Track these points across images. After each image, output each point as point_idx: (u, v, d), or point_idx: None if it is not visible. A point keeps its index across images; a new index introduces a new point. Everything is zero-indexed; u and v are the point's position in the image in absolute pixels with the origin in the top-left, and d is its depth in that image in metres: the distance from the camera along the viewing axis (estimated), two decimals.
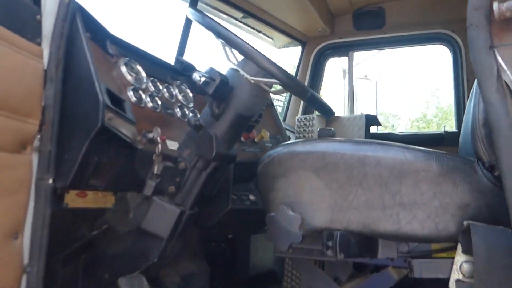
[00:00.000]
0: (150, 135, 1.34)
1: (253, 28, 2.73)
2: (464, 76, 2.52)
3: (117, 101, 1.24)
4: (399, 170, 0.98)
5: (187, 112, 1.65)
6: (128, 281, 1.40)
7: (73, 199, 1.23)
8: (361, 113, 2.27)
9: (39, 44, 1.07)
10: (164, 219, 1.41)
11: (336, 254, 1.01)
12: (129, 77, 1.45)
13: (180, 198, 1.45)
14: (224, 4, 2.42)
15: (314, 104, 1.40)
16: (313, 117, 2.30)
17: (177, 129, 1.52)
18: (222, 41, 1.37)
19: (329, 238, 1.04)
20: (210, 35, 1.39)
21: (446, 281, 0.91)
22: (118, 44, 1.49)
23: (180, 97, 1.68)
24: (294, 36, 2.86)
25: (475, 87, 1.02)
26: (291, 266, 2.27)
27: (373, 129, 2.62)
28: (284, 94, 2.99)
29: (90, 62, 1.19)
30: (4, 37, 0.95)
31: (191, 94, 1.75)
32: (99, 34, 1.39)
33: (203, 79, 1.30)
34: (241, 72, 1.35)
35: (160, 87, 1.59)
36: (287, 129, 2.41)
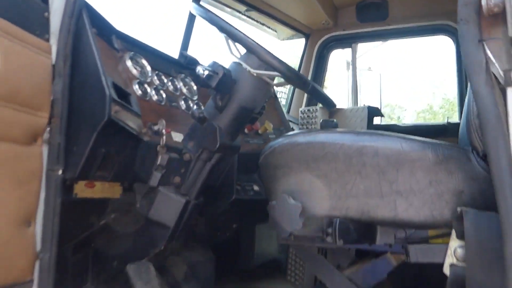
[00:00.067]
0: (156, 128, 1.38)
1: (257, 21, 2.75)
2: None
3: (123, 95, 1.28)
4: (396, 160, 1.01)
5: (191, 105, 1.68)
6: (136, 268, 1.45)
7: (82, 190, 1.27)
8: (364, 105, 2.29)
9: (47, 40, 1.11)
10: (170, 208, 1.45)
11: (336, 240, 1.05)
12: (134, 71, 1.49)
13: (185, 188, 1.48)
14: None
15: (316, 96, 1.43)
16: (316, 109, 2.33)
17: (182, 121, 1.56)
18: (225, 35, 1.40)
19: (329, 225, 1.07)
20: (214, 29, 1.42)
21: (441, 266, 0.94)
22: (124, 39, 1.52)
23: (184, 90, 1.72)
24: (297, 29, 2.87)
25: None
26: (295, 255, 2.30)
27: (377, 120, 2.64)
28: (288, 87, 3.01)
29: (96, 57, 1.22)
30: (14, 34, 0.98)
31: (195, 87, 1.78)
32: (105, 30, 1.43)
33: (206, 72, 1.33)
34: (244, 65, 1.38)
35: (165, 80, 1.63)
36: (291, 121, 2.44)
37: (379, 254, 1.36)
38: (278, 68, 1.29)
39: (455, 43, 2.60)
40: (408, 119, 16.39)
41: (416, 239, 1.07)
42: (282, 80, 1.39)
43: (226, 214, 1.86)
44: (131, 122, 1.27)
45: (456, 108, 2.80)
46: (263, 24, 2.81)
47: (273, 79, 1.41)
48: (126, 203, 1.46)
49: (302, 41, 2.99)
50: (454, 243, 0.88)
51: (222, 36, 1.42)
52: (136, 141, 1.32)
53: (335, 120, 1.70)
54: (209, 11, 1.42)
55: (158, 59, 1.66)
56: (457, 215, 0.86)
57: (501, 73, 0.71)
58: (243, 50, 1.42)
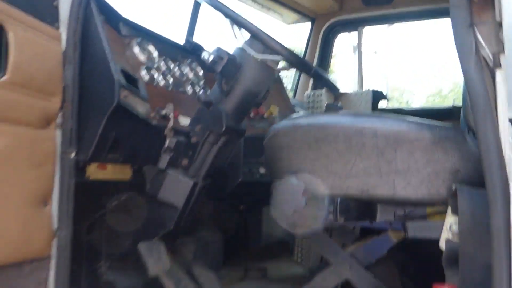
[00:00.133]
0: (163, 112, 1.42)
1: (262, 6, 2.75)
2: None
3: (131, 80, 1.32)
4: (394, 140, 1.04)
5: (197, 90, 1.72)
6: (147, 247, 1.52)
7: (94, 172, 1.33)
8: (368, 88, 2.31)
9: (57, 28, 1.14)
10: (178, 190, 1.50)
11: (337, 217, 1.09)
12: (141, 57, 1.52)
13: (193, 170, 1.53)
14: None
15: (319, 80, 1.46)
16: (321, 93, 2.35)
17: (189, 105, 1.60)
18: (230, 21, 1.43)
19: (330, 203, 1.12)
20: (220, 16, 1.45)
21: (438, 241, 0.98)
22: (131, 26, 1.55)
23: (191, 75, 1.75)
24: (303, 13, 2.87)
25: None
26: (302, 236, 2.33)
27: (384, 104, 2.65)
28: (294, 72, 3.03)
29: (105, 44, 1.26)
30: (27, 22, 1.03)
31: (201, 73, 1.81)
32: (112, 17, 1.46)
33: (211, 58, 1.36)
34: (248, 50, 1.41)
35: (172, 66, 1.66)
36: (297, 105, 2.47)
37: (381, 232, 1.40)
38: (281, 53, 1.33)
39: None
40: (417, 103, 16.25)
41: (414, 216, 1.11)
42: (285, 64, 1.42)
43: (233, 196, 1.91)
44: (140, 107, 1.31)
45: None
46: (269, 9, 2.81)
47: (276, 63, 1.45)
48: (136, 185, 1.51)
49: (308, 26, 2.99)
50: (450, 219, 0.92)
51: (227, 22, 1.45)
52: (144, 125, 1.37)
53: (339, 104, 1.73)
54: None
55: (164, 45, 1.69)
56: (452, 192, 0.89)
57: (490, 55, 0.74)
58: (247, 36, 1.45)
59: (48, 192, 1.09)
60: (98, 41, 1.26)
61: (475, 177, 0.98)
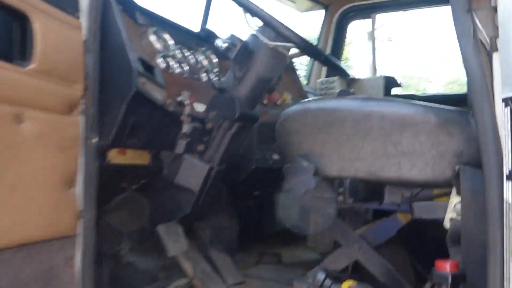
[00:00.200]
0: (179, 98, 1.48)
1: None
2: None
3: (148, 68, 1.37)
4: (400, 123, 1.07)
5: (212, 77, 1.76)
6: (165, 229, 1.59)
7: (114, 156, 1.40)
8: (380, 75, 2.32)
9: (78, 17, 1.20)
10: (194, 174, 1.56)
11: (346, 199, 1.14)
12: (157, 45, 1.57)
13: (209, 155, 1.59)
14: None
15: (329, 65, 1.49)
16: (334, 80, 2.37)
17: (203, 92, 1.64)
18: (243, 9, 1.46)
19: (340, 185, 1.16)
20: (233, 4, 1.48)
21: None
22: (147, 15, 1.60)
23: (205, 63, 1.80)
24: (316, 0, 2.88)
25: None
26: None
27: (397, 91, 2.65)
28: (308, 60, 3.04)
29: (123, 32, 1.32)
30: (50, 13, 1.08)
31: (215, 60, 1.86)
32: (129, 6, 1.51)
33: (225, 45, 1.41)
34: (261, 37, 1.45)
35: (187, 54, 1.71)
36: (310, 92, 2.49)
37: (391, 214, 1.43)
38: (292, 40, 1.36)
39: None
40: (434, 91, 15.99)
41: (421, 198, 1.14)
42: (297, 51, 1.45)
43: (248, 182, 1.96)
44: (157, 93, 1.36)
45: None
46: None
47: (288, 50, 1.48)
48: (154, 170, 1.57)
49: (321, 13, 2.99)
50: (455, 199, 0.95)
51: (240, 10, 1.49)
52: (161, 111, 1.42)
53: (351, 90, 1.75)
54: None
55: (180, 34, 1.73)
56: (456, 173, 0.93)
57: (487, 39, 0.77)
58: (260, 23, 1.49)
59: (73, 175, 1.15)
60: (117, 30, 1.32)
61: (478, 158, 1.00)
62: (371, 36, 2.79)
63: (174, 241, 1.59)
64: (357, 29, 2.99)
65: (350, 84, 2.37)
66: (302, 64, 3.62)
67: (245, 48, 1.43)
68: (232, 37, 1.43)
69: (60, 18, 1.12)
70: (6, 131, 0.95)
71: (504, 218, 0.72)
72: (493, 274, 0.71)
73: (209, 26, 1.94)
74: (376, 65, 2.77)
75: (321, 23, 2.97)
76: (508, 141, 0.73)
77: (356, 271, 1.36)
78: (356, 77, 2.45)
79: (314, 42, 2.89)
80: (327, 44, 2.90)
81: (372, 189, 1.18)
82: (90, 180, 1.19)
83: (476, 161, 1.01)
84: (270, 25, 1.38)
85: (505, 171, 0.73)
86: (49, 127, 1.06)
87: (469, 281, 0.85)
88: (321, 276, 1.03)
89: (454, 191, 0.96)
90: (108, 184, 1.41)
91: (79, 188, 1.17)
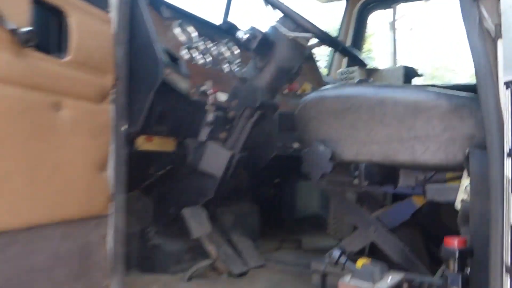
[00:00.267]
0: (203, 88, 1.55)
1: None
2: None
3: (173, 59, 1.45)
4: (414, 108, 1.11)
5: (233, 67, 1.83)
6: (190, 211, 1.67)
7: (142, 143, 1.48)
8: (400, 65, 2.32)
9: (108, 12, 1.27)
10: (217, 160, 1.64)
11: (361, 182, 1.19)
12: (182, 37, 1.64)
13: (231, 142, 1.66)
14: None
15: (347, 54, 1.53)
16: (353, 70, 2.39)
17: (226, 82, 1.71)
18: (264, 2, 1.51)
19: (356, 169, 1.22)
20: None
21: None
22: (172, 9, 1.67)
23: (227, 54, 1.86)
24: None
25: None
26: (336, 211, 2.39)
27: (418, 81, 2.65)
28: (329, 50, 3.06)
29: (150, 26, 1.39)
30: (83, 8, 1.16)
31: (237, 51, 1.92)
32: (155, 1, 1.58)
33: (246, 36, 1.47)
34: (281, 28, 1.50)
35: (209, 45, 1.77)
36: (330, 82, 2.52)
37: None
38: (311, 30, 1.41)
39: None
40: (460, 82, 15.62)
41: (435, 181, 1.18)
42: (315, 41, 1.50)
43: (269, 169, 2.02)
44: (182, 83, 1.44)
45: None
46: None
47: (307, 40, 1.53)
48: (179, 156, 1.65)
49: (343, 4, 3.00)
50: (466, 181, 0.99)
51: (261, 2, 1.54)
52: (186, 100, 1.49)
53: (371, 80, 1.78)
54: None
55: (203, 26, 1.80)
56: (466, 155, 0.97)
57: (493, 27, 0.80)
58: (280, 15, 1.54)
59: (105, 160, 1.24)
60: (144, 24, 1.39)
61: None
62: (392, 27, 2.79)
63: (198, 224, 1.66)
64: (379, 20, 2.97)
65: (370, 74, 2.38)
66: (323, 55, 3.64)
67: (266, 39, 1.49)
68: (253, 28, 1.49)
69: (93, 13, 1.20)
70: (46, 118, 1.04)
71: (504, 193, 0.76)
72: (495, 245, 0.76)
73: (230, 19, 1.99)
74: (397, 56, 2.77)
75: (342, 13, 2.98)
76: (509, 121, 0.77)
77: (372, 253, 1.41)
78: (377, 67, 2.45)
79: (335, 33, 2.91)
80: (347, 35, 2.90)
81: (387, 172, 1.23)
82: (120, 165, 1.27)
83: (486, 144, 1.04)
84: (290, 17, 1.43)
85: (506, 149, 0.77)
86: (84, 115, 1.15)
87: (476, 256, 0.89)
88: (336, 253, 1.08)
89: (465, 173, 1.00)
90: (136, 170, 1.49)
91: (110, 173, 1.26)
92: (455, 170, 1.10)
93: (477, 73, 0.84)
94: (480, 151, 0.89)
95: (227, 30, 1.83)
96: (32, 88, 1.01)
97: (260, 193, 2.36)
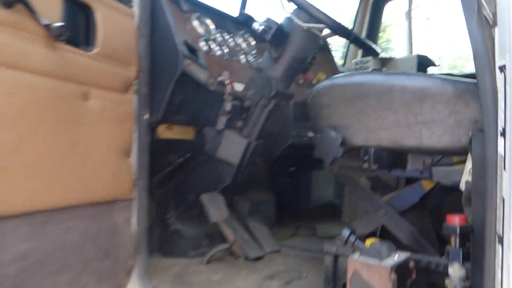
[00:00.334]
0: (220, 78, 1.61)
1: None
2: None
3: (192, 51, 1.51)
4: (420, 94, 1.16)
5: (250, 58, 1.89)
6: (208, 197, 1.74)
7: (163, 131, 1.56)
8: (414, 54, 2.33)
9: (131, 6, 1.35)
10: (234, 148, 1.70)
11: (371, 166, 1.24)
12: (200, 30, 1.71)
13: (247, 131, 1.72)
14: None
15: (359, 44, 1.58)
16: (368, 60, 2.43)
17: (242, 72, 1.77)
18: None
19: (365, 153, 1.27)
20: None
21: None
22: (190, 2, 1.74)
23: (243, 45, 1.92)
24: None
25: None
26: (350, 199, 2.42)
27: (434, 70, 2.65)
28: (344, 40, 3.08)
29: (170, 19, 1.46)
30: (108, 3, 1.24)
31: (253, 43, 1.97)
32: None
33: (261, 27, 1.52)
34: (295, 19, 1.55)
35: (226, 37, 1.83)
36: (345, 72, 2.55)
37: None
38: (324, 21, 1.46)
39: None
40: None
41: (442, 165, 1.23)
42: (328, 31, 1.55)
43: (284, 158, 2.08)
44: (200, 74, 1.50)
45: None
46: None
47: (320, 31, 1.58)
48: (198, 144, 1.72)
49: None
50: (469, 164, 1.04)
51: None
52: (204, 90, 1.56)
53: (384, 69, 1.81)
54: None
55: (220, 18, 1.86)
56: (470, 138, 1.01)
57: (490, 15, 0.85)
58: (294, 7, 1.58)
59: (129, 147, 1.32)
60: (164, 17, 1.46)
61: None
62: (408, 16, 2.80)
63: (216, 209, 1.73)
64: (397, 10, 2.98)
65: (384, 64, 2.41)
66: (340, 46, 3.66)
67: (280, 30, 1.54)
68: (268, 20, 1.54)
69: (117, 7, 1.27)
70: (76, 107, 1.12)
71: (497, 169, 0.81)
72: (490, 218, 0.81)
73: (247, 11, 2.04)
74: (413, 45, 2.78)
75: (357, 3, 3.00)
76: (502, 103, 0.81)
77: (383, 236, 1.46)
78: (392, 56, 2.47)
79: (350, 24, 2.93)
80: (363, 25, 2.92)
81: (395, 157, 1.28)
82: (143, 152, 1.34)
83: None
84: (304, 8, 1.48)
85: (499, 129, 0.82)
86: (110, 104, 1.23)
87: (476, 232, 0.94)
88: (346, 232, 1.14)
89: (469, 156, 1.04)
90: (157, 157, 1.56)
91: (134, 159, 1.34)
92: (461, 154, 1.14)
93: (475, 59, 0.89)
94: (482, 133, 0.93)
95: (244, 22, 1.88)
96: (64, 79, 1.09)
97: (275, 181, 2.41)
